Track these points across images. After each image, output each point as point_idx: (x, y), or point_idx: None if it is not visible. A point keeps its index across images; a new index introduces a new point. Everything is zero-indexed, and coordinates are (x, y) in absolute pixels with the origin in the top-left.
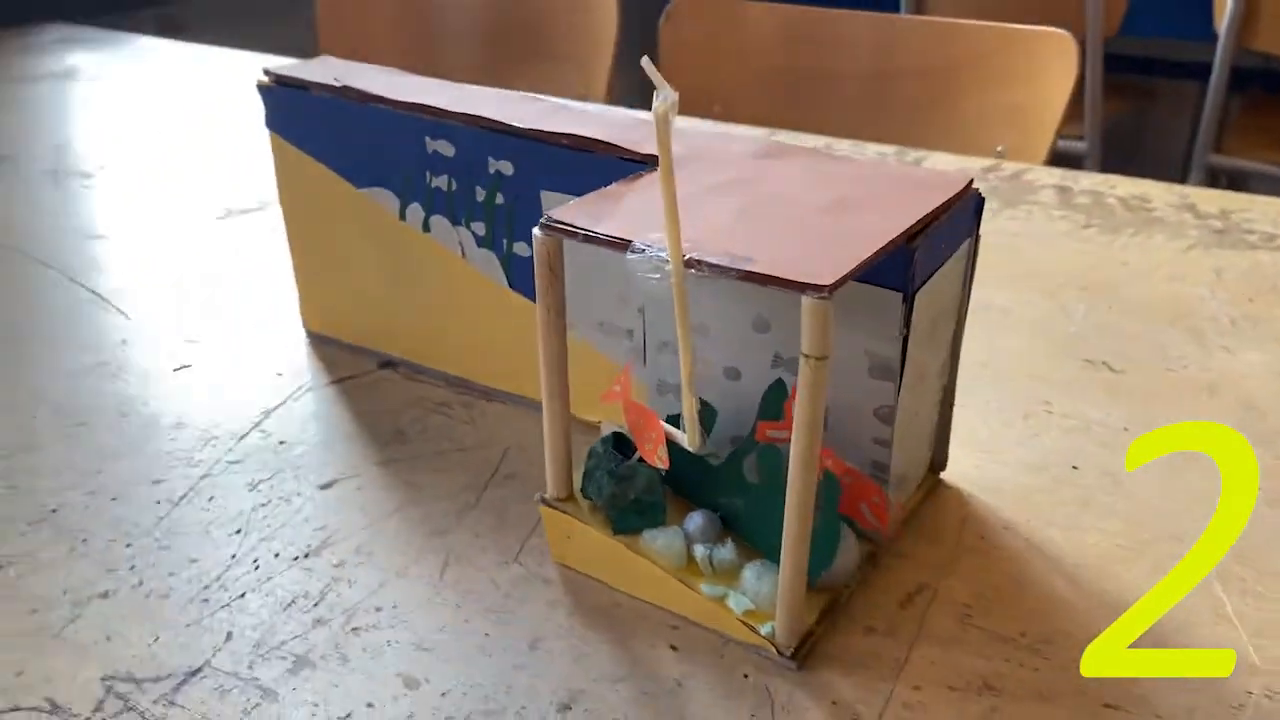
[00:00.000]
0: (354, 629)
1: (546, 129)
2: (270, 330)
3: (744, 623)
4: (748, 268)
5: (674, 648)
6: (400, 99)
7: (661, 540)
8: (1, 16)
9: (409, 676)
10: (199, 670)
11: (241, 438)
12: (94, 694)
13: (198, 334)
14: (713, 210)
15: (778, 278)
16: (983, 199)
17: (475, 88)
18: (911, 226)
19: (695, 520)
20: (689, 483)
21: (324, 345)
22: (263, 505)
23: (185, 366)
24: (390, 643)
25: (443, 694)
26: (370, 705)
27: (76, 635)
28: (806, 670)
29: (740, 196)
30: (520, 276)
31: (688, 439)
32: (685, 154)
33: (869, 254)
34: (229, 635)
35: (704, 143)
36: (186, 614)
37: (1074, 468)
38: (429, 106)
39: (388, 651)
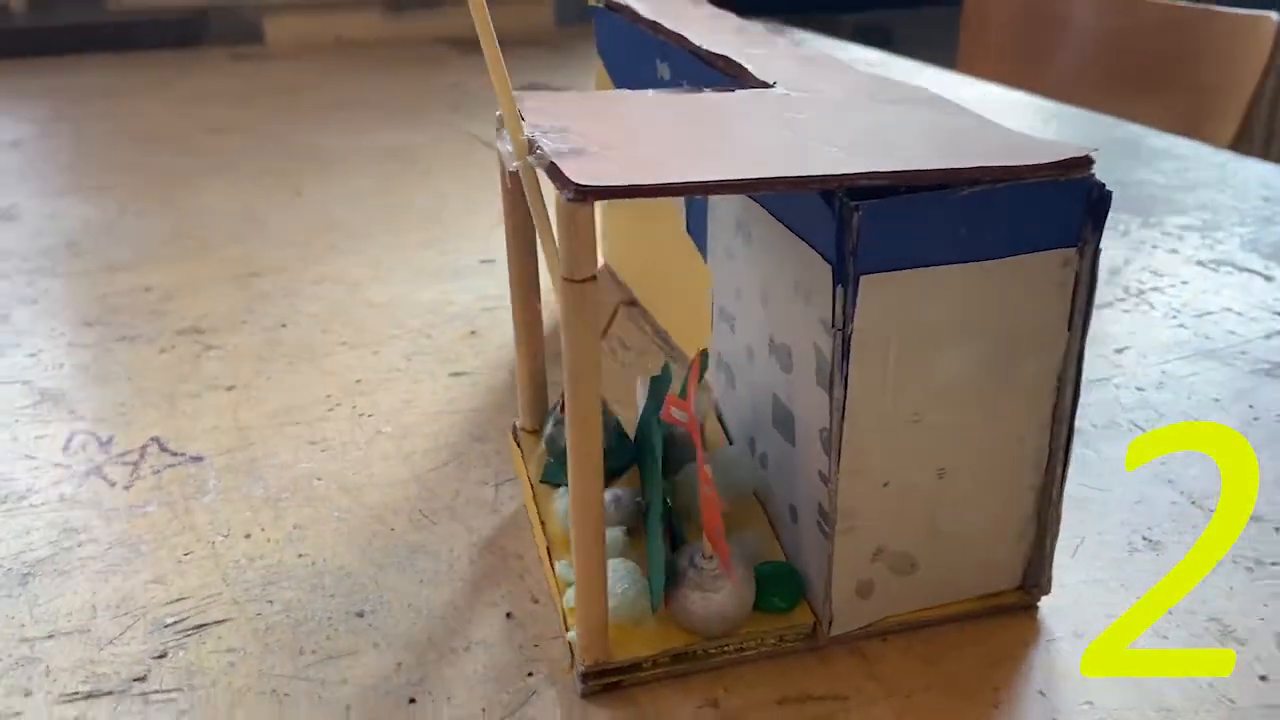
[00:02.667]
0: None
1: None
2: None
3: (565, 616)
4: (551, 158)
5: (509, 615)
6: (645, 17)
7: (563, 504)
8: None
9: None
10: None
11: None
12: None
13: None
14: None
15: (559, 171)
16: (1107, 197)
17: (711, 10)
18: (887, 174)
19: (610, 494)
20: (644, 461)
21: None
22: None
23: None
24: None
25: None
26: None
27: None
28: (590, 700)
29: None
30: (694, 222)
31: None
32: (799, 76)
33: (717, 178)
34: None
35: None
36: None
37: None
38: (659, 25)
39: None
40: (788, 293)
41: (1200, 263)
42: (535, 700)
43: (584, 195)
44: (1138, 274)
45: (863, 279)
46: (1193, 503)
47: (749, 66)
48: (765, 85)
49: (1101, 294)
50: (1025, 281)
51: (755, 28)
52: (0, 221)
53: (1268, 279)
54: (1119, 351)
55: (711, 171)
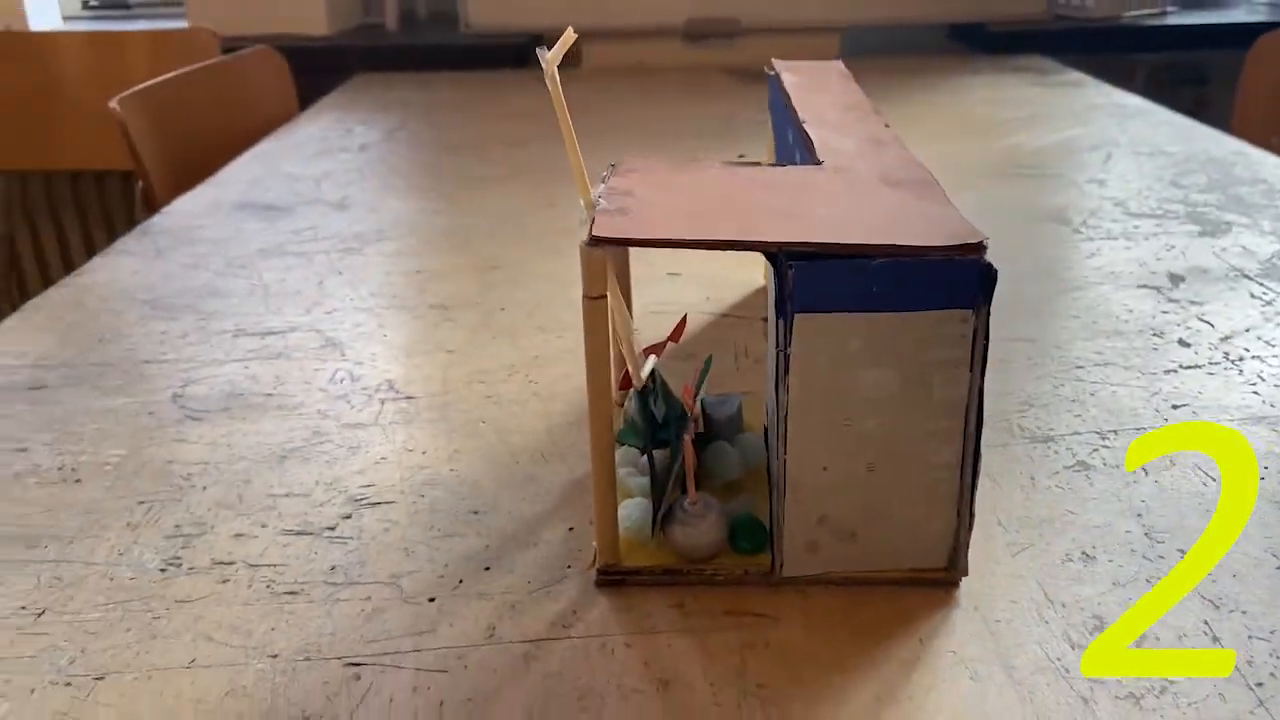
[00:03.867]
0: None
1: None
2: None
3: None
4: (595, 214)
5: (570, 529)
6: (785, 88)
7: (621, 457)
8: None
9: None
10: None
11: None
12: None
13: None
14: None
15: (592, 223)
16: (993, 275)
17: (844, 86)
18: (816, 245)
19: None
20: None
21: None
22: None
23: None
24: None
25: None
26: None
27: None
28: (600, 589)
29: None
30: None
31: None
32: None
33: (683, 236)
34: None
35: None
36: None
37: None
38: (789, 98)
39: None
40: (771, 320)
41: None
42: (565, 582)
43: (596, 242)
44: (1249, 341)
45: (796, 316)
46: (1147, 534)
47: (817, 145)
48: (816, 163)
49: (1199, 354)
50: (930, 330)
51: (863, 105)
52: (334, 209)
53: None
54: (1175, 407)
55: (692, 232)
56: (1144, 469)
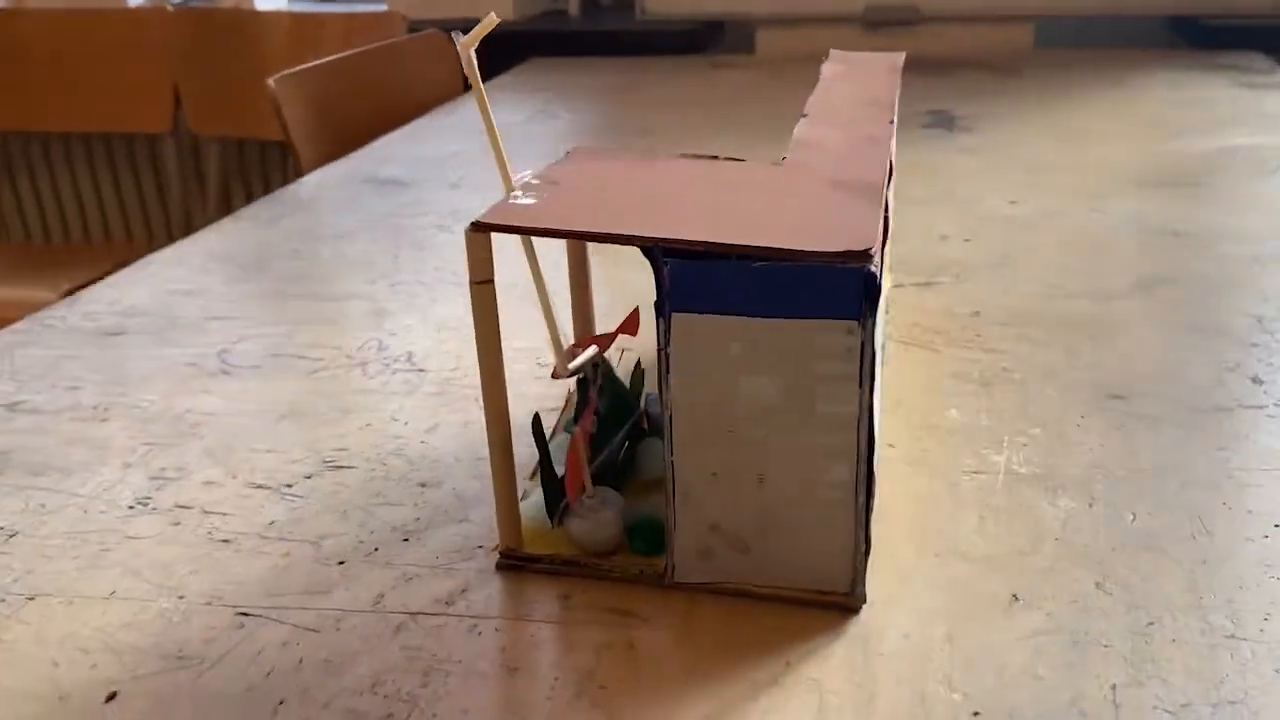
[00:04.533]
0: None
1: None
2: None
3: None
4: (499, 203)
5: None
6: (821, 76)
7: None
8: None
9: None
10: None
11: None
12: None
13: None
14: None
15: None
16: (876, 285)
17: (866, 82)
18: (700, 244)
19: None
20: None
21: None
22: None
23: None
24: None
25: None
26: None
27: None
28: (499, 571)
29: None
30: None
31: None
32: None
33: (563, 227)
34: None
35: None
36: None
37: None
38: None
39: None
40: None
41: None
42: (471, 561)
43: (478, 228)
44: None
45: (674, 315)
46: (1099, 584)
47: (798, 140)
48: (779, 159)
49: (1264, 393)
50: (813, 340)
51: (885, 102)
52: (448, 188)
53: None
54: (1220, 449)
55: (576, 224)
56: (1133, 512)
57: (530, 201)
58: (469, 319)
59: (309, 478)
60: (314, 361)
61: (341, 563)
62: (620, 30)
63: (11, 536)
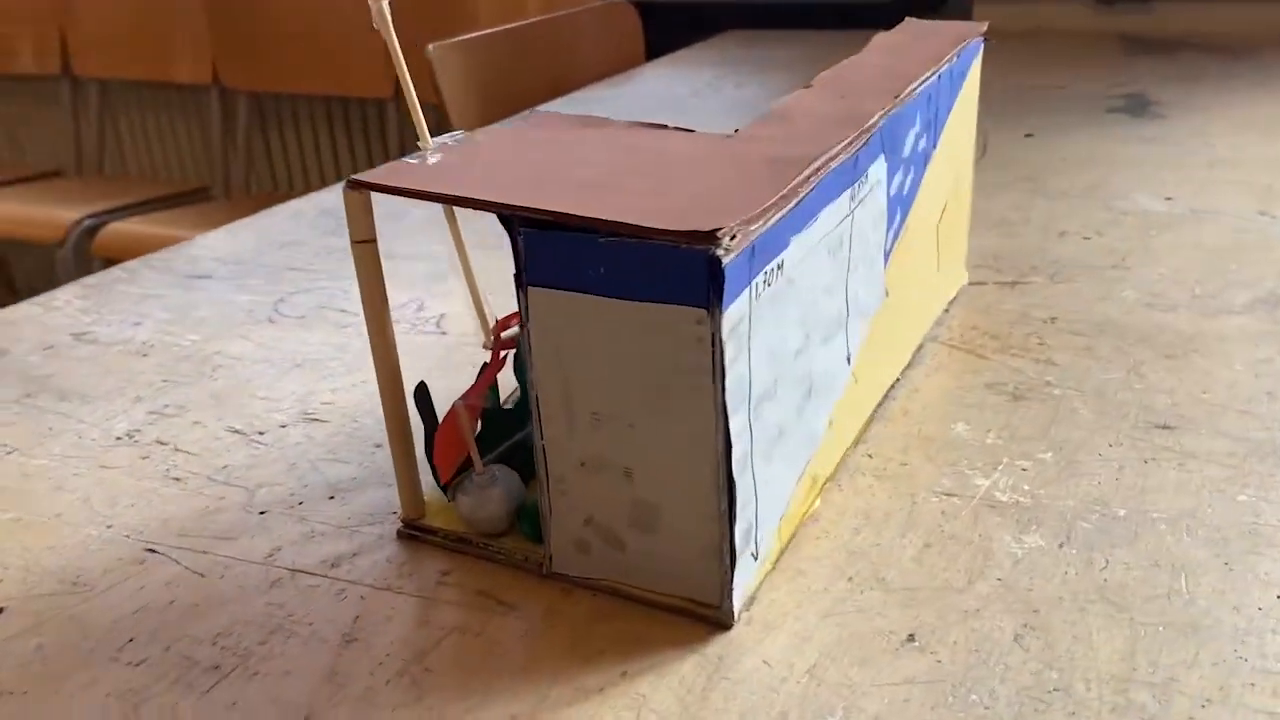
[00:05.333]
0: None
1: None
2: None
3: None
4: (407, 157)
5: None
6: (871, 45)
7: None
8: None
9: None
10: None
11: None
12: None
13: None
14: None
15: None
16: (721, 270)
17: (891, 54)
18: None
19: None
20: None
21: None
22: None
23: None
24: None
25: None
26: None
27: None
28: (398, 539)
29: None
30: None
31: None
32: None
33: (442, 191)
34: None
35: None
36: None
37: None
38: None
39: None
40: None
41: None
42: (378, 526)
43: (353, 185)
44: None
45: (530, 289)
46: (1017, 638)
47: (776, 112)
48: (727, 133)
49: None
50: (664, 327)
51: (910, 75)
52: None
53: None
54: (1256, 498)
55: (449, 187)
56: (1107, 559)
57: (427, 161)
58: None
59: (283, 427)
60: (352, 316)
61: (263, 513)
62: (816, 4)
63: (9, 454)
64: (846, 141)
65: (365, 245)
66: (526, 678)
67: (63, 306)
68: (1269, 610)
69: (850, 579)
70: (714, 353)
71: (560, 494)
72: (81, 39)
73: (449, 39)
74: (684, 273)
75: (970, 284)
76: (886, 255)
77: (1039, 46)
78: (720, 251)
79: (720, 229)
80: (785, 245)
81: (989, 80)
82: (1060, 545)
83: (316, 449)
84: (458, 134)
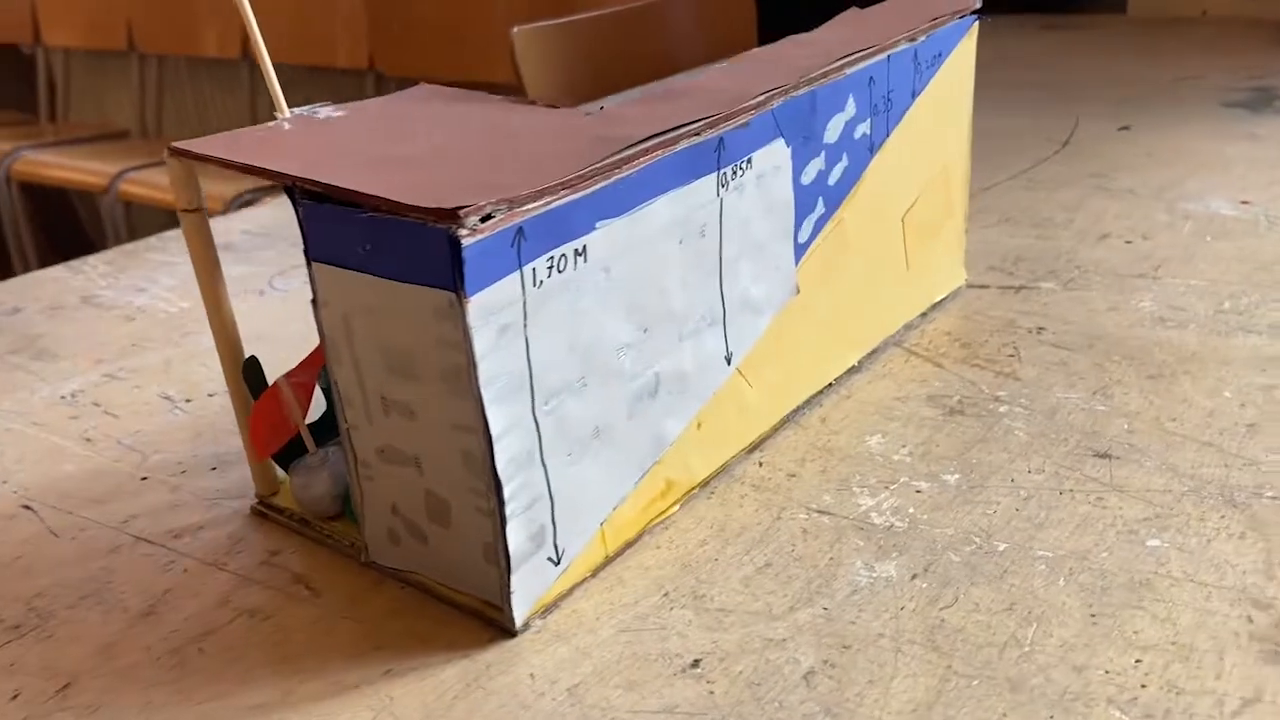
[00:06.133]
0: None
1: None
2: None
3: None
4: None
5: None
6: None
7: None
8: None
9: None
10: None
11: None
12: None
13: None
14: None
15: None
16: (460, 250)
17: (812, 37)
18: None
19: None
20: None
21: None
22: None
23: None
24: None
25: None
26: None
27: None
28: (250, 514)
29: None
30: None
31: None
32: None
33: (250, 163)
34: None
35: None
36: None
37: None
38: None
39: None
40: None
41: None
42: (243, 499)
43: (172, 153)
44: None
45: (314, 264)
46: (807, 676)
47: (666, 87)
48: (591, 110)
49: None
50: (423, 311)
51: (824, 57)
52: None
53: None
54: (1167, 544)
55: (251, 159)
56: (958, 596)
57: (271, 130)
58: None
59: (211, 396)
60: None
61: (144, 479)
62: None
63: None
64: (696, 122)
65: (192, 214)
66: (290, 668)
67: (89, 270)
68: (1115, 675)
69: (667, 594)
70: (467, 343)
71: (367, 479)
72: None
73: (538, 22)
74: (432, 253)
75: (971, 286)
76: (801, 248)
77: (1188, 34)
78: (463, 232)
79: (464, 208)
80: (588, 229)
81: (1106, 69)
82: (913, 577)
83: (229, 420)
84: (321, 106)
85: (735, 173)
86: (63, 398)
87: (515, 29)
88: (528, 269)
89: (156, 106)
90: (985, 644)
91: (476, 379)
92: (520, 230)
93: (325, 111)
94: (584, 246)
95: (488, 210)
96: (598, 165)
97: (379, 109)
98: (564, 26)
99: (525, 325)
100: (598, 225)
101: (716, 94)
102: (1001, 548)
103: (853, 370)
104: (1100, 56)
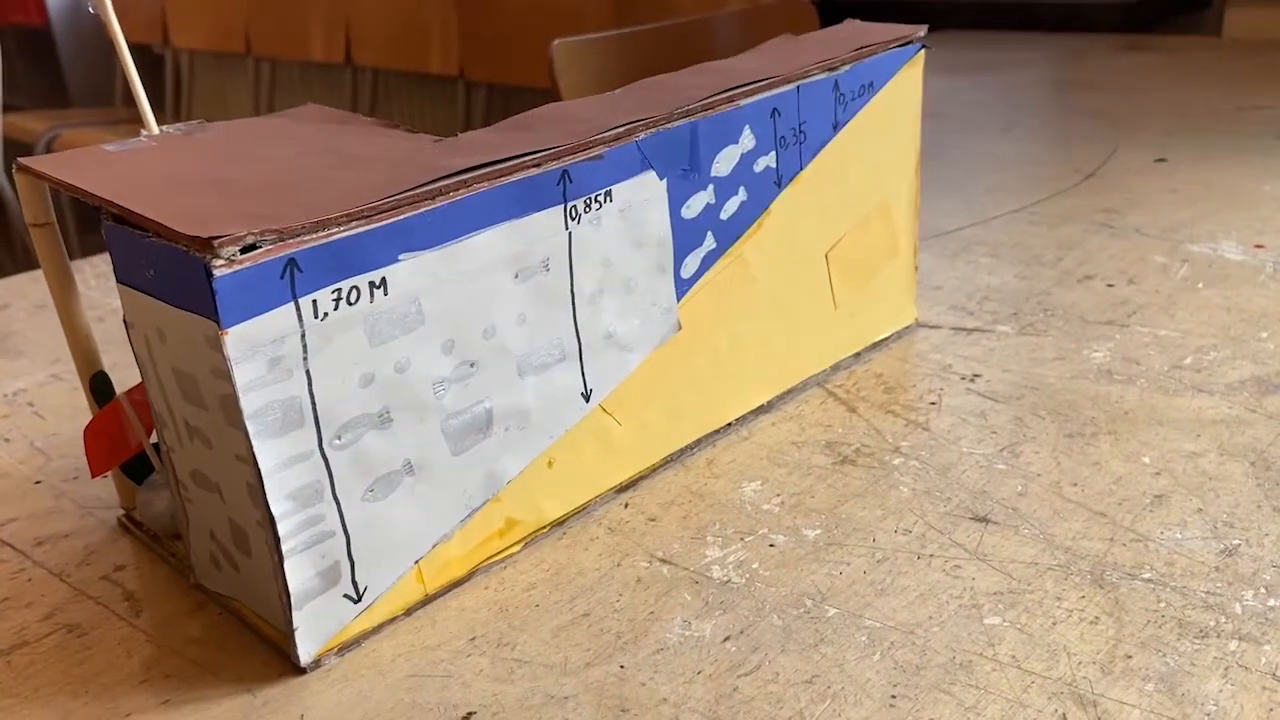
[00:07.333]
0: None
1: None
2: None
3: None
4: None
5: None
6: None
7: None
8: None
9: None
10: None
11: None
12: None
13: None
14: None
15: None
16: (209, 275)
17: (709, 67)
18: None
19: None
20: None
21: None
22: None
23: None
24: None
25: None
26: None
27: None
28: (116, 526)
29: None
30: None
31: None
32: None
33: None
34: None
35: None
36: None
37: None
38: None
39: None
40: None
41: None
42: (117, 511)
43: (19, 169)
44: None
45: (120, 286)
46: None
47: (542, 113)
48: (441, 139)
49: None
50: (197, 339)
51: (714, 84)
52: None
53: None
54: (1025, 614)
55: (81, 179)
56: (770, 659)
57: (128, 146)
58: None
59: None
60: None
61: (38, 483)
62: (1038, 3)
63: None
64: (535, 153)
65: (41, 228)
66: (77, 689)
67: (88, 270)
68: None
69: (473, 639)
70: (231, 377)
71: (188, 501)
72: (360, 34)
73: (575, 36)
74: (196, 282)
75: (923, 325)
76: (686, 283)
77: (1269, 59)
78: (219, 262)
79: (220, 238)
80: (389, 261)
81: (1171, 95)
82: (725, 639)
83: None
84: (196, 123)
85: (589, 205)
86: (4, 396)
87: (555, 42)
88: (305, 300)
89: (269, 105)
90: (767, 719)
91: (240, 410)
92: (292, 261)
93: (192, 130)
94: (383, 279)
95: (250, 240)
96: (399, 196)
97: (242, 130)
98: (603, 41)
99: (306, 358)
100: (401, 257)
101: (575, 125)
102: (830, 613)
103: (761, 410)
104: (1172, 81)
